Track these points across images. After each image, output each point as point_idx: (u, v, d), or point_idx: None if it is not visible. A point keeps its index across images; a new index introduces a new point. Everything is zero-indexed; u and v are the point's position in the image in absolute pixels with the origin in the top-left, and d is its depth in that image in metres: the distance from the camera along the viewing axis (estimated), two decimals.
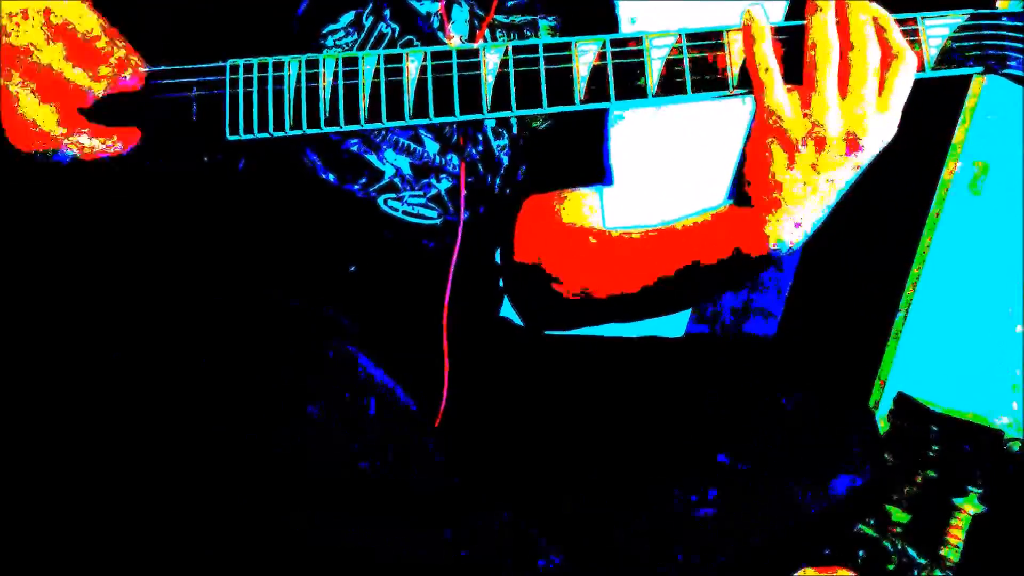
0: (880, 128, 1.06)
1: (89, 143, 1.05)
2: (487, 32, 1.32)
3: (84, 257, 1.10)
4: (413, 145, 1.28)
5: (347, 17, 1.24)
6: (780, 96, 1.07)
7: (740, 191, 1.12)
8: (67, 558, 1.00)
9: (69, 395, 1.02)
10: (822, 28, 1.06)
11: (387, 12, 1.26)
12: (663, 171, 2.49)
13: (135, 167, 1.11)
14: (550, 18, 1.37)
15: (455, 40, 1.29)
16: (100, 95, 1.06)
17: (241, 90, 1.09)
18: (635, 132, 2.33)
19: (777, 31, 1.09)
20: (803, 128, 1.05)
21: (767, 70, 1.07)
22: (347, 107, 1.09)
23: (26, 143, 1.04)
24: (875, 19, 1.06)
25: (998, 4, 1.07)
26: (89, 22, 1.05)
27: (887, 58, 1.06)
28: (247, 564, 1.02)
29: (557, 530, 1.18)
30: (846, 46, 1.06)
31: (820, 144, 1.06)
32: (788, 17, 1.10)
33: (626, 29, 1.43)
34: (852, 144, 1.06)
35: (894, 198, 2.50)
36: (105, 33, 1.06)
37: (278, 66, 1.10)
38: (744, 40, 1.08)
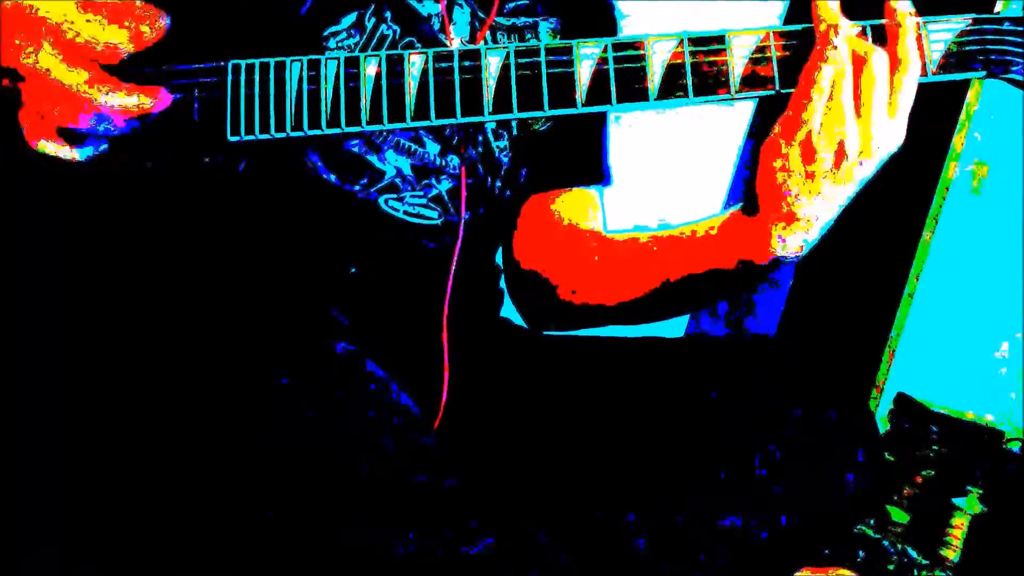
0: (890, 138, 1.07)
1: (122, 101, 1.03)
2: (488, 34, 1.32)
3: (84, 258, 1.10)
4: (414, 146, 1.28)
5: (349, 19, 1.24)
6: (820, 109, 1.06)
7: (749, 199, 1.12)
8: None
9: (67, 394, 1.03)
10: (840, 43, 1.05)
11: (388, 14, 1.26)
12: (662, 172, 2.49)
13: (136, 168, 1.11)
14: (551, 20, 1.37)
15: (455, 42, 1.29)
16: (127, 52, 1.05)
17: (243, 91, 1.09)
18: (635, 133, 2.33)
19: (784, 35, 1.09)
20: (831, 143, 1.06)
21: (823, 88, 1.06)
22: (348, 108, 1.09)
23: (54, 120, 1.02)
24: (902, 31, 1.06)
25: (997, 8, 1.07)
26: None
27: (893, 67, 1.06)
28: (245, 563, 1.02)
29: (557, 530, 1.18)
30: (858, 60, 1.06)
31: (840, 157, 1.06)
32: (788, 18, 1.10)
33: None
34: (867, 157, 1.06)
35: (894, 198, 2.50)
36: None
37: (280, 67, 1.10)
38: (816, 53, 1.06)
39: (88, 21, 1.03)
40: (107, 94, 1.02)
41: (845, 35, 1.06)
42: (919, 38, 1.08)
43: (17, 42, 1.01)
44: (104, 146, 1.06)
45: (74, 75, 1.01)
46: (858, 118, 1.06)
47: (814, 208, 1.08)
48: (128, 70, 1.06)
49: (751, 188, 1.12)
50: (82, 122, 1.03)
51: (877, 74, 1.05)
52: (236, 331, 1.10)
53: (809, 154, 1.06)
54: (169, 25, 1.07)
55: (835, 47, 1.05)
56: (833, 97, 1.05)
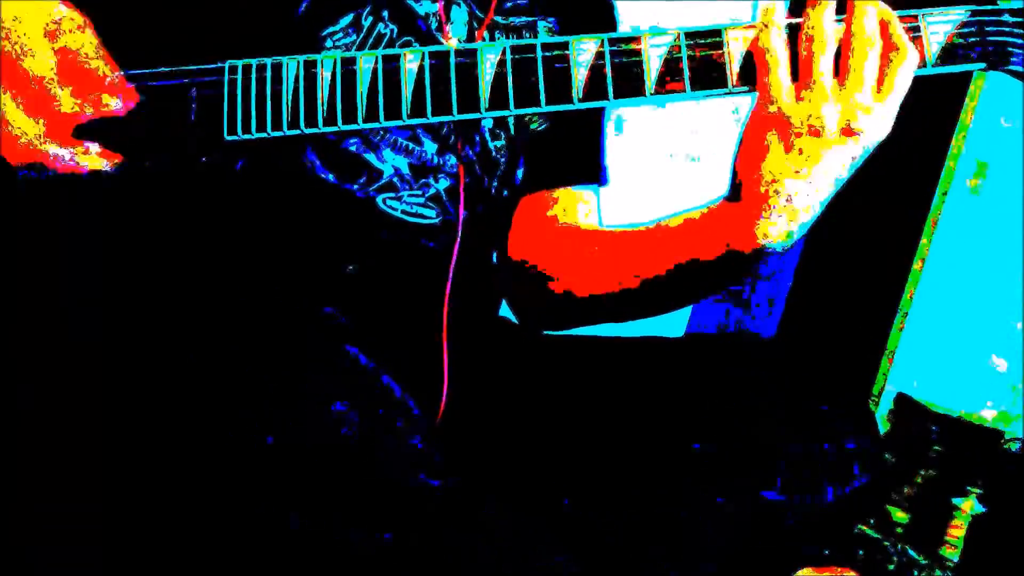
0: (877, 122, 1.05)
1: (68, 163, 1.05)
2: (486, 33, 1.32)
3: (83, 257, 1.10)
4: (411, 145, 1.28)
5: (346, 19, 1.24)
6: (784, 81, 1.06)
7: (733, 186, 1.11)
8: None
9: (64, 393, 1.03)
10: (819, 18, 1.05)
11: (386, 13, 1.26)
12: (659, 171, 2.49)
13: (134, 168, 1.11)
14: (549, 19, 1.37)
15: (453, 41, 1.29)
16: (86, 118, 1.06)
17: (240, 91, 1.09)
18: (632, 132, 2.33)
19: (788, 27, 1.08)
20: (801, 115, 1.04)
21: (772, 54, 1.06)
22: (345, 107, 1.09)
23: (13, 155, 1.04)
24: (877, 12, 1.06)
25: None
26: (83, 38, 1.05)
27: (888, 52, 1.05)
28: (245, 563, 1.02)
29: (558, 529, 1.18)
30: (846, 38, 1.05)
31: (815, 133, 1.04)
32: (789, 16, 1.10)
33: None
34: (847, 136, 1.05)
35: (894, 198, 2.50)
36: (98, 52, 1.06)
37: (276, 67, 1.10)
38: (757, 27, 1.07)
39: (60, 90, 1.04)
40: (57, 150, 1.04)
41: (830, 8, 1.05)
42: (918, 29, 1.07)
43: None
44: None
45: (28, 123, 1.03)
46: (839, 92, 1.04)
47: (795, 191, 1.06)
48: (125, 72, 1.06)
49: (733, 174, 1.11)
50: (40, 169, 1.05)
51: (869, 52, 1.04)
52: (236, 331, 1.10)
53: (785, 133, 1.06)
54: (143, 101, 1.08)
55: (821, 11, 1.05)
56: (812, 73, 1.04)
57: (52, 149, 1.04)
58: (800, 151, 1.05)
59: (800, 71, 1.06)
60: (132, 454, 1.03)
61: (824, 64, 1.04)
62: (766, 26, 1.06)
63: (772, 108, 1.06)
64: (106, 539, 1.01)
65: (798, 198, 1.06)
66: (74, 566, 1.01)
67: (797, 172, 1.06)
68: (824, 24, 1.05)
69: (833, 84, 1.04)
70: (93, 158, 1.06)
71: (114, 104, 1.07)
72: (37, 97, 1.04)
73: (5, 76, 1.02)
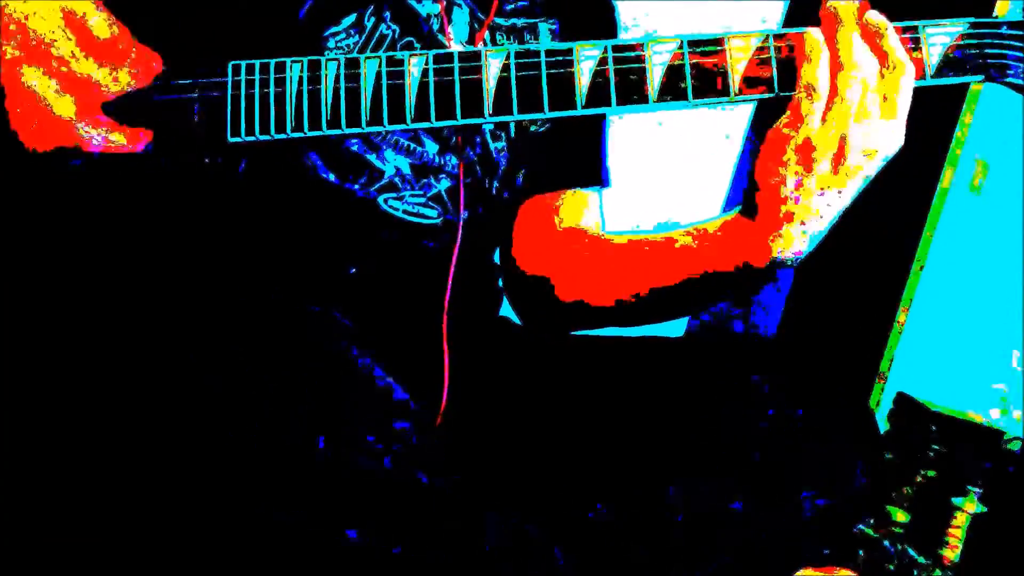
0: (891, 141, 1.06)
1: (105, 138, 1.06)
2: (487, 35, 1.32)
3: (84, 258, 1.10)
4: (413, 145, 1.28)
5: (349, 19, 1.24)
6: (818, 112, 1.06)
7: (749, 202, 1.12)
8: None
9: (66, 393, 1.03)
10: (848, 49, 1.05)
11: (388, 14, 1.26)
12: (661, 174, 2.49)
13: (135, 168, 1.11)
14: (550, 21, 1.37)
15: (453, 42, 1.29)
16: (115, 92, 1.07)
17: (243, 92, 1.09)
18: (633, 134, 2.33)
19: (783, 38, 1.08)
20: (829, 143, 1.05)
21: (817, 88, 1.06)
22: (348, 110, 1.09)
23: (42, 139, 1.04)
24: (869, 28, 1.06)
25: (996, 11, 1.08)
26: (100, 20, 1.06)
27: (883, 68, 1.06)
28: (245, 562, 1.03)
29: (558, 529, 1.18)
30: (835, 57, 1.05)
31: (839, 159, 1.06)
32: (788, 17, 1.10)
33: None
34: (868, 155, 1.06)
35: (894, 198, 2.50)
36: (118, 29, 1.07)
37: (280, 68, 1.10)
38: (797, 51, 1.07)
39: (85, 58, 1.05)
40: (88, 130, 1.05)
41: (851, 34, 1.06)
42: (918, 41, 1.08)
43: (8, 56, 1.02)
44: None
45: (64, 101, 1.03)
46: (856, 120, 1.06)
47: (812, 211, 1.08)
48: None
49: (750, 191, 1.11)
50: (69, 152, 1.05)
51: (869, 76, 1.05)
52: (236, 331, 1.10)
53: (808, 156, 1.06)
54: (165, 70, 1.09)
55: (845, 48, 1.05)
56: (841, 98, 1.05)
57: (86, 129, 1.05)
58: (822, 175, 1.06)
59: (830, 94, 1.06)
60: (132, 453, 1.03)
61: (853, 89, 1.05)
62: (809, 60, 1.06)
63: (799, 133, 1.06)
64: (106, 539, 1.02)
65: (816, 217, 1.08)
66: (74, 565, 1.01)
67: (817, 195, 1.07)
68: (856, 57, 1.05)
69: (856, 110, 1.05)
70: (125, 134, 1.07)
71: (135, 73, 1.08)
72: (65, 77, 1.05)
73: (33, 58, 1.03)
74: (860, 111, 1.05)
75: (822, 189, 1.07)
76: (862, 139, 1.05)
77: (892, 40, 1.06)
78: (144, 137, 1.08)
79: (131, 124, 1.07)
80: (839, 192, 1.08)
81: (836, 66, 1.05)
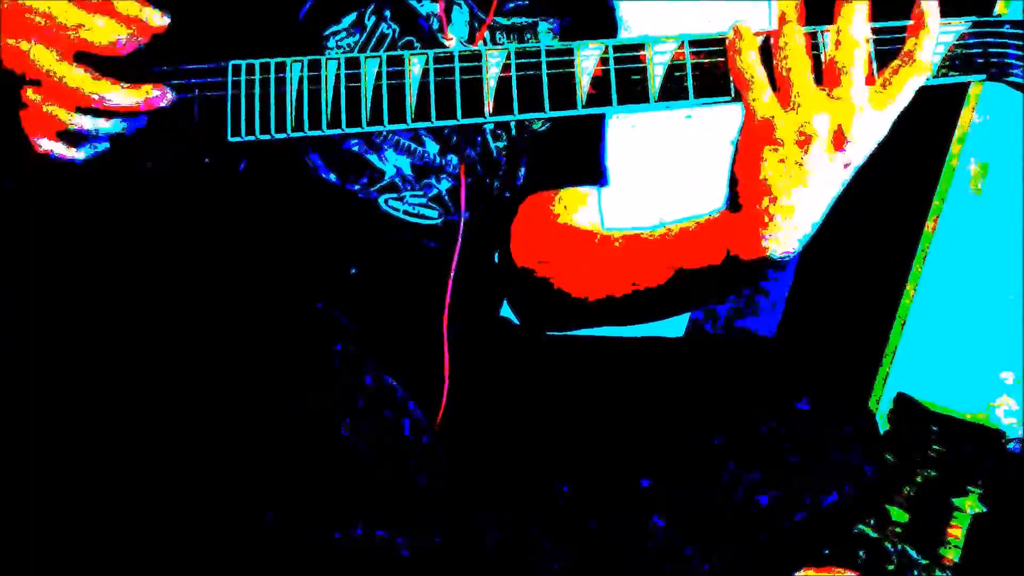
0: (870, 126, 1.04)
1: (126, 100, 1.02)
2: (487, 34, 1.32)
3: (85, 257, 1.10)
4: (414, 145, 1.28)
5: (349, 18, 1.24)
6: (766, 98, 1.05)
7: (732, 196, 1.11)
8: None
9: (69, 394, 1.03)
10: (792, 35, 1.04)
11: (388, 12, 1.26)
12: (659, 172, 2.48)
13: (136, 168, 1.11)
14: (550, 20, 1.37)
15: (453, 42, 1.29)
16: (128, 45, 1.02)
17: (243, 91, 1.09)
18: (633, 133, 2.33)
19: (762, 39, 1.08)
20: (790, 127, 1.04)
21: (750, 75, 1.06)
22: (349, 109, 1.09)
23: (48, 126, 1.02)
24: (866, 16, 1.05)
25: (996, 10, 1.07)
26: None
27: (905, 58, 1.05)
28: (246, 563, 1.03)
29: (558, 530, 1.18)
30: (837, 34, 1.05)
31: (806, 141, 1.03)
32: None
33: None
34: (839, 141, 1.04)
35: (894, 198, 2.50)
36: None
37: (280, 67, 1.10)
38: (728, 48, 1.07)
39: (88, 18, 1.01)
40: (112, 92, 1.01)
41: (794, 22, 1.05)
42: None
43: (13, 42, 1.00)
44: (104, 145, 1.06)
45: (79, 77, 1.01)
46: (829, 99, 1.04)
47: (795, 203, 1.05)
48: (127, 71, 1.06)
49: (733, 184, 1.10)
50: (81, 122, 1.02)
51: (856, 53, 1.03)
52: (236, 331, 1.10)
53: (777, 145, 1.05)
54: (168, 24, 1.05)
55: (785, 33, 1.05)
56: (793, 86, 1.04)
57: (107, 93, 1.01)
58: (792, 161, 1.04)
59: (780, 84, 1.05)
60: (132, 453, 1.03)
61: (805, 77, 1.04)
62: (738, 52, 1.06)
63: (758, 122, 1.05)
64: (106, 538, 1.02)
65: (800, 208, 1.06)
66: (74, 565, 1.01)
67: (793, 182, 1.05)
68: (796, 40, 1.04)
69: (818, 92, 1.04)
70: (147, 89, 1.03)
71: (157, 20, 1.03)
72: (73, 44, 1.01)
73: (32, 31, 1.00)
74: (837, 93, 1.04)
75: (798, 176, 1.04)
76: (832, 123, 1.03)
77: (927, 40, 1.04)
78: (167, 92, 1.04)
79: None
80: (819, 180, 1.05)
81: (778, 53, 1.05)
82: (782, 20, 1.06)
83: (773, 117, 1.04)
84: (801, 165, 1.04)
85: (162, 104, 1.04)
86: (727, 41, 1.07)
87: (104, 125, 1.03)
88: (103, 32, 1.01)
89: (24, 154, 1.04)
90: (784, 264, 1.10)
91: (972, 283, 2.62)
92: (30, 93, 1.01)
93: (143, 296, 1.10)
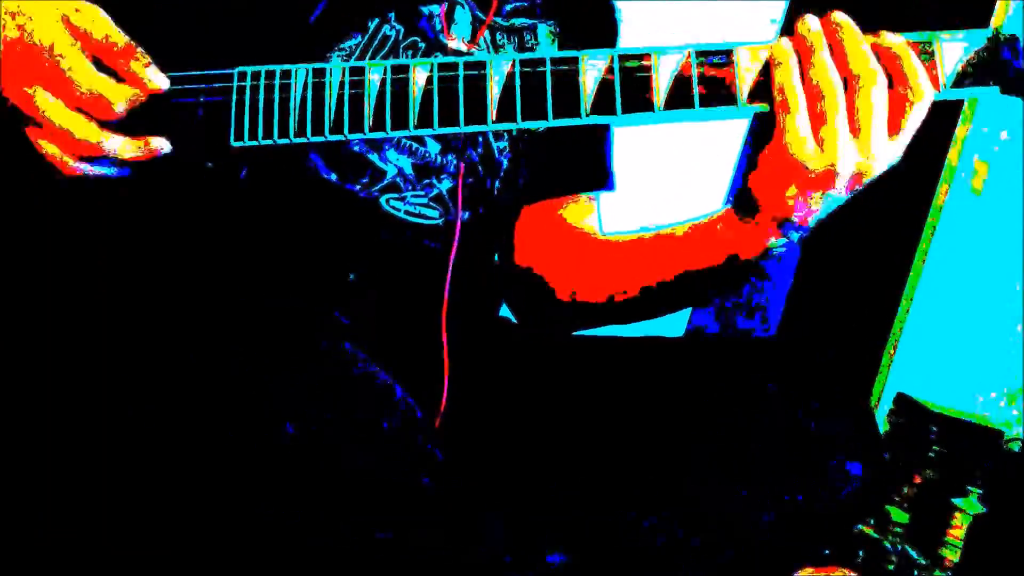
0: (887, 158, 1.06)
1: (128, 152, 1.05)
2: (487, 34, 1.32)
3: (87, 260, 1.10)
4: (415, 145, 1.28)
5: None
6: (802, 129, 1.05)
7: (744, 201, 1.12)
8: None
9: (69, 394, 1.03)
10: (824, 70, 1.04)
11: (392, 14, 1.26)
12: (661, 176, 2.49)
13: (139, 170, 1.11)
14: (550, 22, 1.37)
15: (455, 42, 1.29)
16: (125, 109, 1.05)
17: (248, 97, 1.09)
18: (634, 137, 2.33)
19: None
20: (819, 164, 1.04)
21: (790, 95, 1.05)
22: (352, 116, 1.09)
23: (64, 164, 1.04)
24: (890, 49, 1.05)
25: (992, 22, 1.07)
26: (105, 27, 1.04)
27: (900, 88, 1.05)
28: (246, 562, 1.03)
29: (558, 529, 1.18)
30: (851, 80, 1.04)
31: (832, 178, 1.05)
32: (788, 17, 1.10)
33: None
34: (859, 179, 1.06)
35: (894, 198, 2.50)
36: (120, 33, 1.05)
37: (285, 74, 1.09)
38: (772, 67, 1.06)
39: (101, 83, 1.03)
40: (112, 143, 1.04)
41: (824, 56, 1.05)
42: (932, 55, 1.06)
43: (30, 91, 1.01)
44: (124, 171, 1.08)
45: (77, 120, 1.02)
46: (855, 138, 1.05)
47: (810, 214, 1.08)
48: None
49: (746, 190, 1.11)
50: (81, 168, 1.05)
51: (875, 100, 1.03)
52: (237, 331, 1.10)
53: (804, 177, 1.05)
54: (168, 87, 1.07)
55: (819, 66, 1.04)
56: (827, 120, 1.04)
57: (107, 144, 1.03)
58: (817, 190, 1.06)
59: (812, 117, 1.05)
60: (133, 453, 1.03)
61: (839, 120, 1.04)
62: (780, 63, 1.05)
63: (791, 149, 1.05)
64: (106, 539, 1.02)
65: (809, 220, 1.09)
66: (74, 564, 1.01)
67: (815, 205, 1.07)
68: (831, 75, 1.04)
69: (850, 141, 1.04)
70: (143, 146, 1.06)
71: (157, 80, 1.06)
72: (75, 93, 1.02)
73: (40, 76, 1.02)
74: (862, 139, 1.04)
75: (818, 199, 1.07)
76: (857, 163, 1.04)
77: (914, 62, 1.04)
78: (163, 144, 1.07)
79: (141, 133, 1.06)
80: (835, 201, 1.08)
81: (808, 80, 1.05)
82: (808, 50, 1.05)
83: (805, 153, 1.04)
84: (825, 192, 1.06)
85: (159, 155, 1.06)
86: (773, 51, 1.06)
87: (103, 170, 1.06)
88: (109, 107, 1.03)
89: (29, 155, 1.05)
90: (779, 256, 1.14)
91: (972, 283, 2.63)
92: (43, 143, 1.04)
93: (144, 296, 1.10)
